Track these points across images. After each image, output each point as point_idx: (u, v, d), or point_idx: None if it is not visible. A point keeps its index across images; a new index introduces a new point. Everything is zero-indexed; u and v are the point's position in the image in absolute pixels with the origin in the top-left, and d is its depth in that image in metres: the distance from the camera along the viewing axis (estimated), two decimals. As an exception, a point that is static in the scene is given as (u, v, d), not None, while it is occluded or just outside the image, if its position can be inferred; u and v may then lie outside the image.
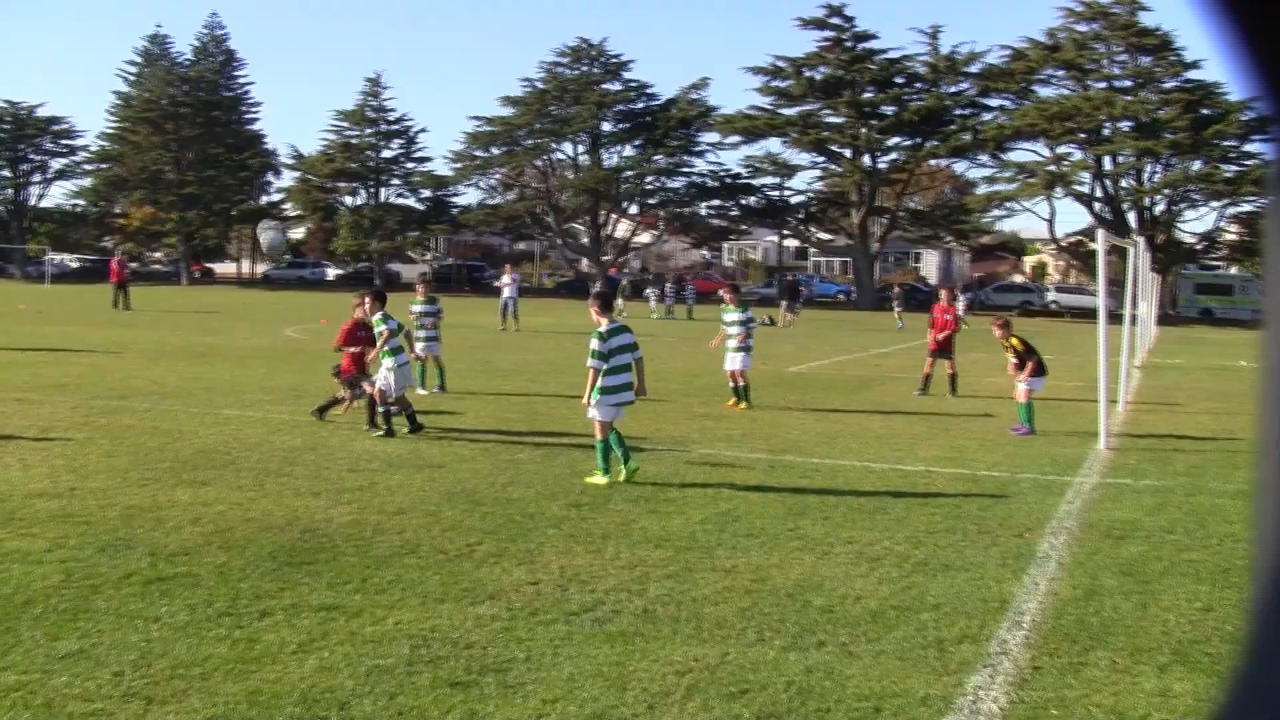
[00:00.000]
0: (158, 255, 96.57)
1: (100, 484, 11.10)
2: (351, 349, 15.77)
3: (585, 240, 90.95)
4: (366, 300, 15.59)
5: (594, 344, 11.92)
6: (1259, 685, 0.85)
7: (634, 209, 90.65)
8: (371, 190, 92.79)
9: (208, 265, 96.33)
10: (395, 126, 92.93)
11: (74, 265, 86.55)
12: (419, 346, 19.25)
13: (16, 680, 5.95)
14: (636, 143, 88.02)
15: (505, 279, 41.50)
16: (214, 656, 6.39)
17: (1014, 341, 17.09)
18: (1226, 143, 75.71)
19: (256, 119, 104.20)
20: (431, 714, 5.72)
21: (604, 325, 12.11)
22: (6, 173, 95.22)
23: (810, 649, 6.88)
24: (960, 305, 35.06)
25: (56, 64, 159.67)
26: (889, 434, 16.40)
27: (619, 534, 9.67)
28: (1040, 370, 17.06)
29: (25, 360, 23.34)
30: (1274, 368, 0.87)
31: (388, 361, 14.80)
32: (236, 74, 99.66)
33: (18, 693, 5.78)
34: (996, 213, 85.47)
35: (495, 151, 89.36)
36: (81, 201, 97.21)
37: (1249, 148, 76.21)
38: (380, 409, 14.71)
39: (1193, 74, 76.29)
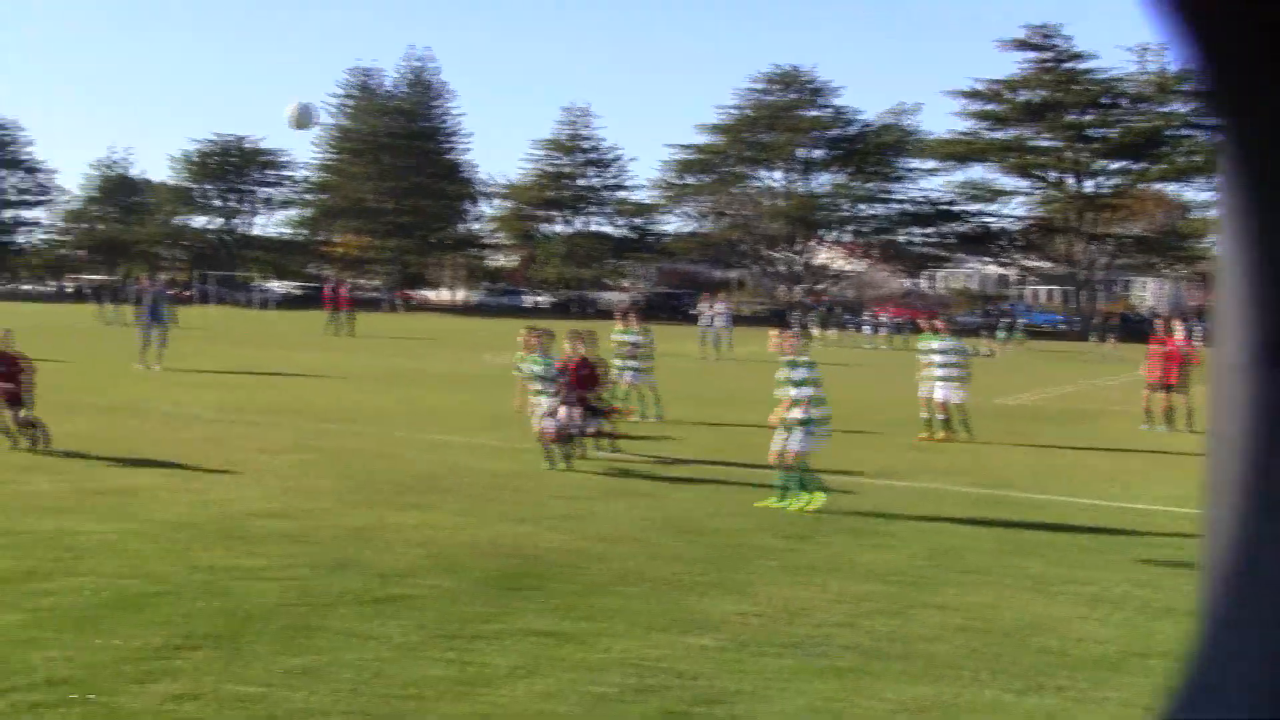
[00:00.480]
0: (372, 282, 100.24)
1: (324, 505, 11.47)
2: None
3: (786, 268, 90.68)
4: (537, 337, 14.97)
5: (798, 374, 11.87)
6: (1203, 687, 0.87)
7: (839, 237, 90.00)
8: (575, 218, 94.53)
9: (412, 292, 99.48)
10: (599, 155, 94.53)
11: (283, 292, 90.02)
12: (626, 375, 19.29)
13: (249, 692, 6.16)
14: (841, 169, 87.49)
15: (716, 306, 41.57)
16: (436, 678, 6.50)
17: None
18: None
19: (467, 150, 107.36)
20: (653, 745, 5.70)
21: (802, 355, 12.07)
22: (218, 202, 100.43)
23: (1033, 692, 6.63)
24: (1179, 335, 33.46)
25: (267, 97, 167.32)
26: (1109, 469, 15.80)
27: (833, 567, 9.52)
28: None
29: (242, 383, 24.37)
30: (1223, 363, 0.88)
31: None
32: (444, 104, 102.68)
33: (251, 705, 5.98)
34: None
35: (698, 179, 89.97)
36: (296, 230, 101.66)
37: None
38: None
39: None
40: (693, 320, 49.32)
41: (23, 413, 14.72)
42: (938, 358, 18.52)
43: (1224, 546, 0.87)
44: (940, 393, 18.39)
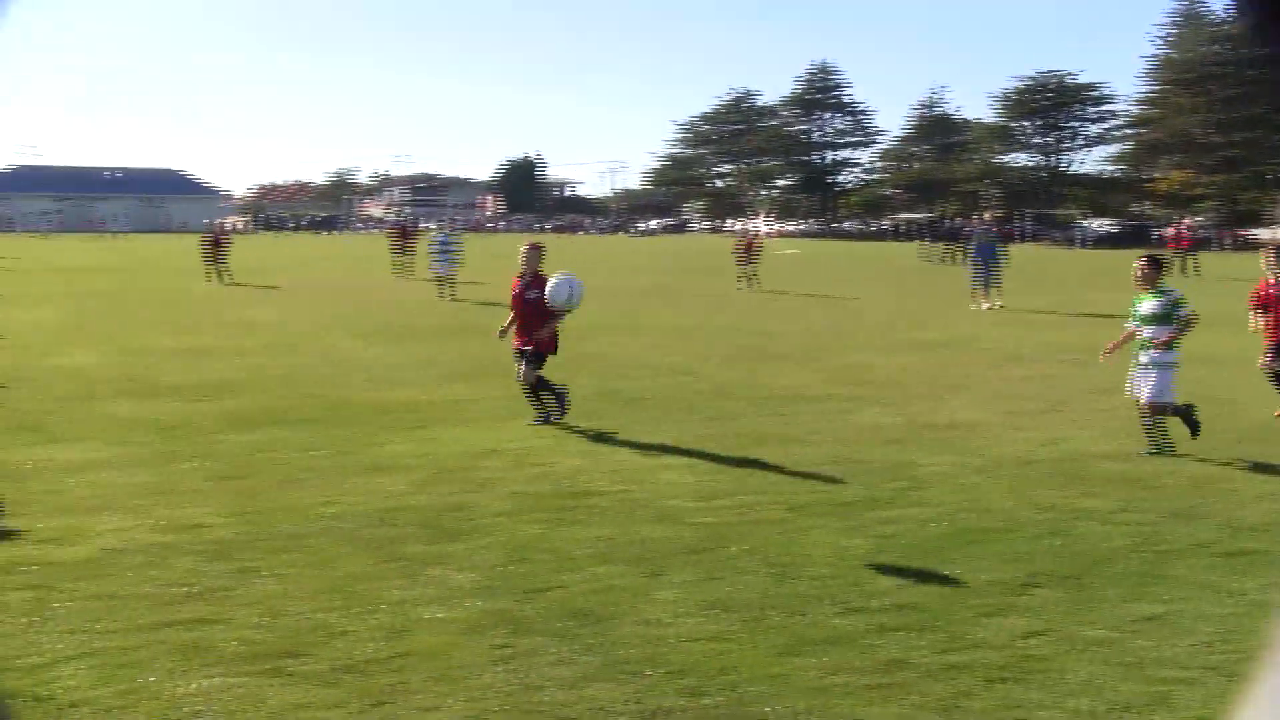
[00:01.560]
0: (1198, 220, 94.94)
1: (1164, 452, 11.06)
2: None
3: None
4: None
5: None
6: None
7: None
8: None
9: (1244, 230, 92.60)
10: None
11: (1102, 230, 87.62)
12: None
13: (1099, 635, 6.09)
14: None
15: None
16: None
17: None
18: None
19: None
20: None
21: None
22: (1044, 140, 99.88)
23: None
24: None
25: (1099, 33, 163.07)
26: None
27: None
28: None
29: (1066, 323, 24.06)
30: None
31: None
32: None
33: (1101, 648, 5.91)
34: None
35: None
36: (1116, 167, 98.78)
37: None
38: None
39: None
40: None
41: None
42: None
43: None
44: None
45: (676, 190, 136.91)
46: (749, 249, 35.45)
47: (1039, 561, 7.41)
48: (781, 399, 14.19)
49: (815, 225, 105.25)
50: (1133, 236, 77.07)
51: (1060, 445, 11.29)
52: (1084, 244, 77.46)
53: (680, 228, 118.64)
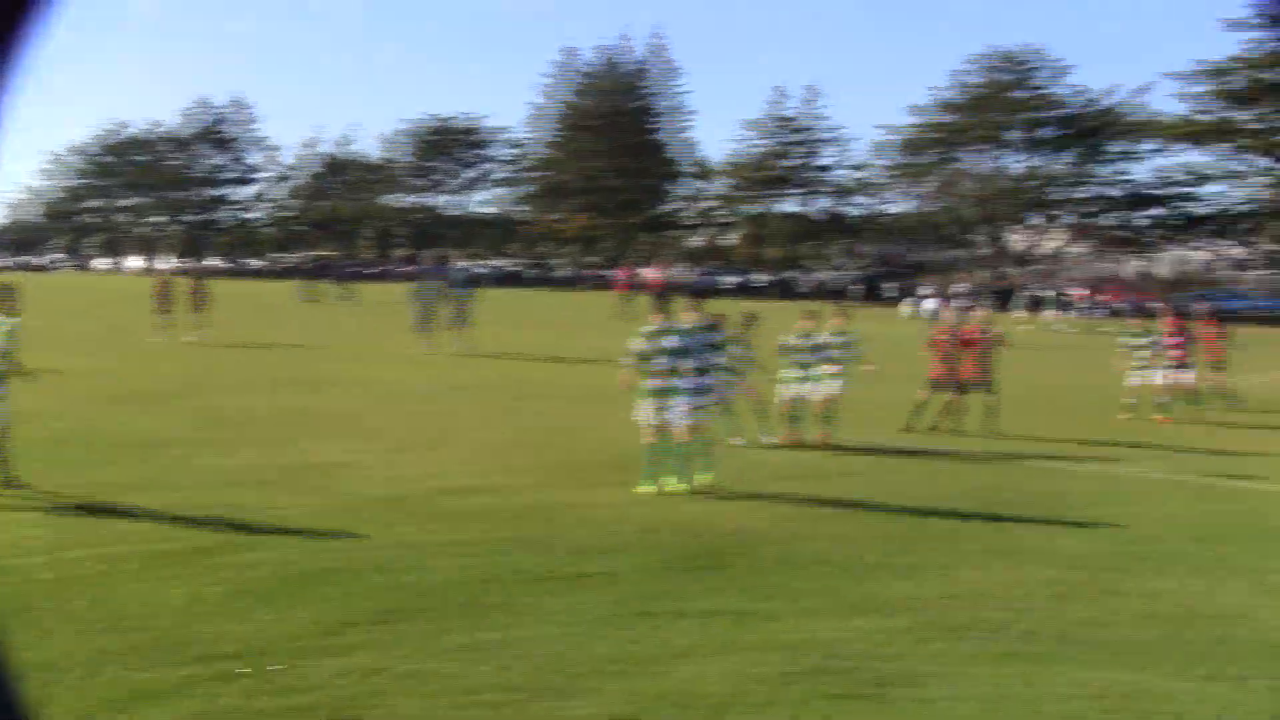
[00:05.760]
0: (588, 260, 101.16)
1: (522, 481, 11.72)
2: None
3: (1003, 251, 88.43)
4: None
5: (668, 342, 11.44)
6: None
7: (1054, 218, 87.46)
8: (790, 198, 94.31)
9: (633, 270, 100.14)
10: (817, 134, 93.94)
11: (498, 270, 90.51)
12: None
13: (439, 668, 6.28)
14: (1069, 150, 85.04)
15: (933, 289, 40.91)
16: (611, 656, 6.54)
17: None
18: None
19: (688, 127, 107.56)
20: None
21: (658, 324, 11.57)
22: (450, 180, 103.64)
23: (1238, 683, 6.37)
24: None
25: (490, 79, 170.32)
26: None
27: (1038, 551, 9.33)
28: None
29: (462, 363, 24.90)
30: None
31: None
32: (670, 83, 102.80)
33: (441, 680, 6.11)
34: None
35: (917, 159, 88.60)
36: (521, 208, 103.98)
37: None
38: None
39: None
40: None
41: None
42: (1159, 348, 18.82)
43: None
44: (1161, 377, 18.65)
45: (44, 225, 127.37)
46: (166, 294, 31.04)
47: (389, 598, 7.53)
48: (143, 444, 13.55)
49: (189, 262, 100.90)
50: (526, 278, 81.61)
51: (428, 482, 11.62)
52: (478, 284, 79.65)
53: (43, 267, 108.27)
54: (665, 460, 11.48)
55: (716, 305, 16.15)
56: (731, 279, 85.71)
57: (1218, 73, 77.90)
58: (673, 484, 11.34)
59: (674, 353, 11.48)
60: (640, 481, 11.42)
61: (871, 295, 73.75)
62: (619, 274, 51.24)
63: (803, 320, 15.37)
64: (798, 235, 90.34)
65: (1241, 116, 78.17)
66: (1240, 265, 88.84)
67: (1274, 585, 8.50)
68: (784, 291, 72.67)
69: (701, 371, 11.62)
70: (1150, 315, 19.70)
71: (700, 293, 13.03)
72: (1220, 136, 78.43)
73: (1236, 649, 6.95)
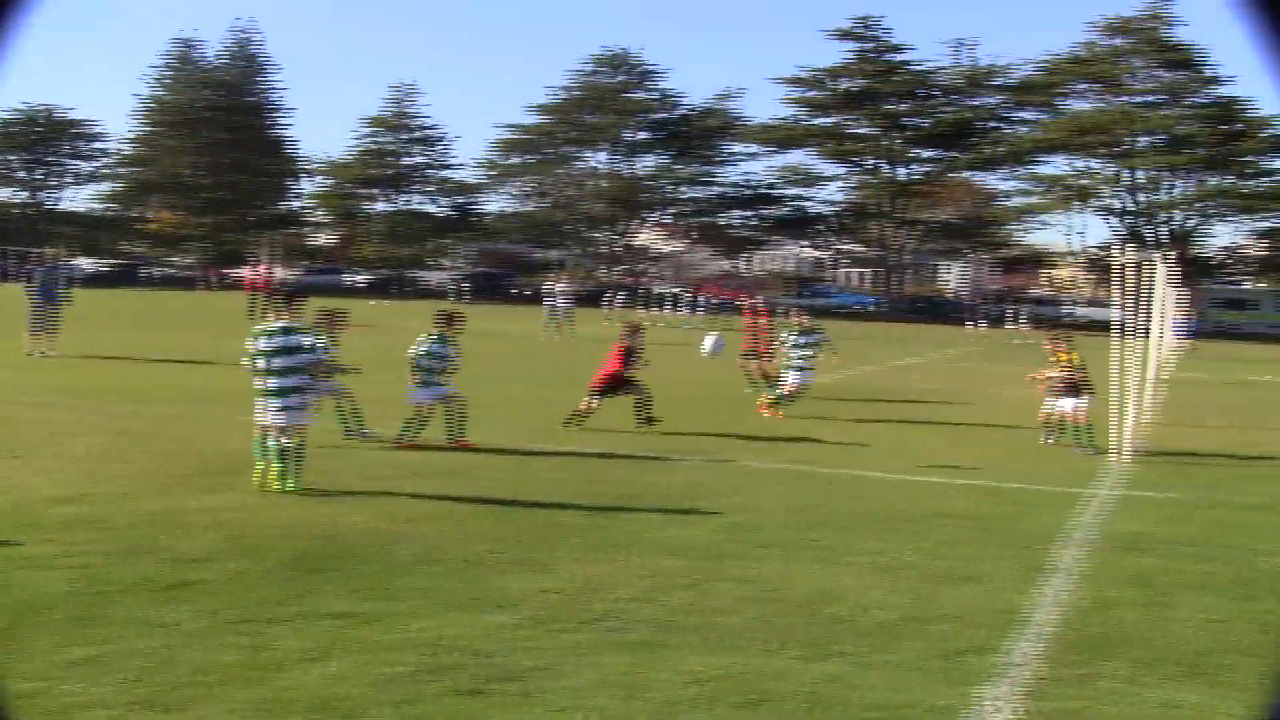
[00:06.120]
0: (185, 260, 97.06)
1: (119, 489, 11.16)
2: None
3: (608, 249, 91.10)
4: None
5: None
6: None
7: (660, 218, 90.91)
8: (397, 197, 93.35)
9: (227, 271, 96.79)
10: (423, 133, 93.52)
11: (92, 270, 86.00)
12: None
13: (26, 687, 5.93)
14: (665, 152, 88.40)
15: (558, 286, 41.62)
16: (226, 664, 6.39)
17: (1074, 356, 16.56)
18: (1251, 158, 75.62)
19: (287, 124, 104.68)
20: (441, 723, 5.74)
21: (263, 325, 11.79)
22: (30, 175, 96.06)
23: (823, 659, 6.87)
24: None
25: (86, 69, 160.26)
26: (912, 446, 16.36)
27: (638, 543, 9.68)
28: (1080, 391, 16.39)
29: (43, 365, 23.47)
30: None
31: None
32: (267, 79, 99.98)
33: (30, 699, 5.79)
34: (1021, 225, 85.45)
35: (523, 160, 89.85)
36: (107, 205, 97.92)
37: (1274, 163, 76.09)
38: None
39: (1219, 90, 76.32)
40: (515, 300, 48.92)
41: None
42: (797, 350, 19.84)
43: None
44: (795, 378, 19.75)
45: None
46: None
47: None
48: None
49: None
50: (121, 275, 77.33)
51: (10, 494, 10.87)
52: (71, 283, 75.27)
53: None
54: (269, 460, 11.30)
55: (328, 304, 15.94)
56: (359, 278, 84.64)
57: (807, 81, 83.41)
58: (276, 484, 11.16)
59: (267, 354, 11.37)
60: (253, 483, 11.18)
61: (485, 294, 74.39)
62: (247, 273, 49.76)
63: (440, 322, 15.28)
64: (408, 234, 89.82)
65: (823, 123, 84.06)
66: (831, 264, 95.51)
67: (860, 566, 9.19)
68: (402, 290, 72.24)
69: (287, 373, 11.44)
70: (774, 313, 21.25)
71: (295, 293, 12.76)
72: (807, 141, 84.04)
73: (824, 628, 7.49)
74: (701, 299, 58.96)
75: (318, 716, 5.74)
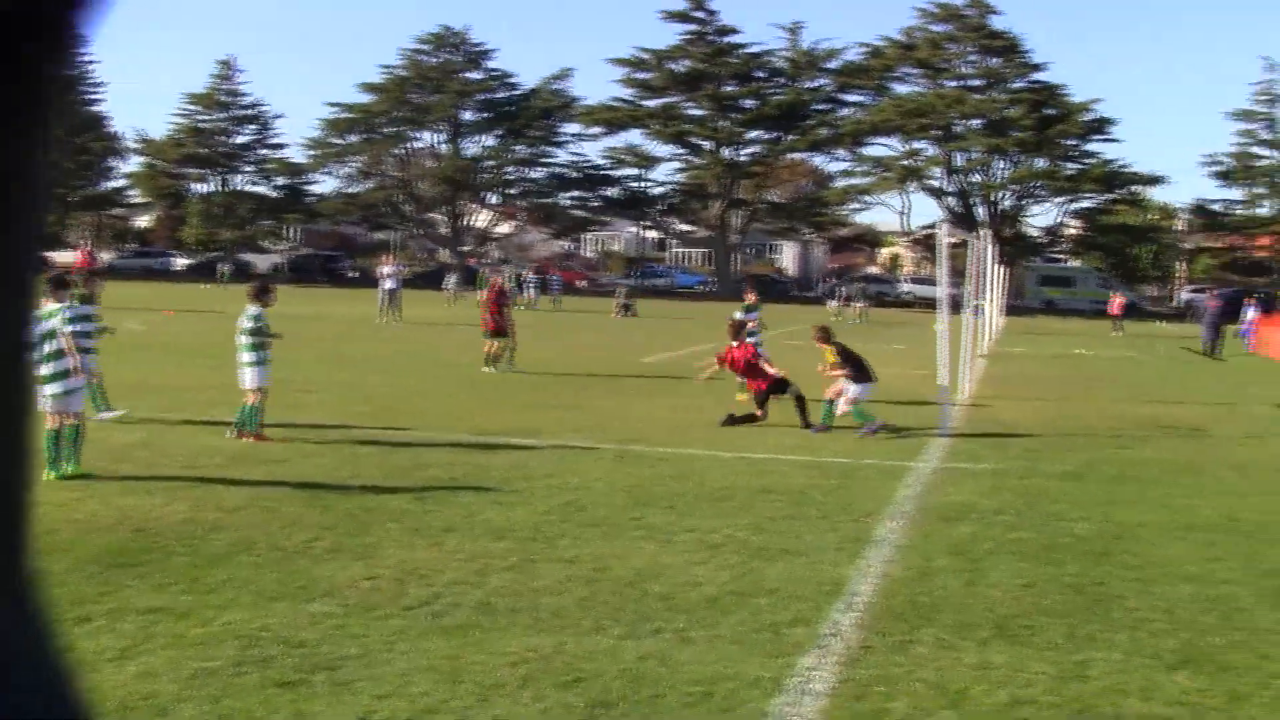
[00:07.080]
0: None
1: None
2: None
3: (443, 230, 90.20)
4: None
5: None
6: None
7: (494, 199, 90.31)
8: (223, 177, 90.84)
9: (45, 254, 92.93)
10: (249, 111, 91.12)
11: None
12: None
13: None
14: (497, 132, 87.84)
15: (386, 269, 40.97)
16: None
17: (828, 349, 16.79)
18: (1068, 142, 78.63)
19: (99, 100, 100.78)
20: (258, 715, 5.59)
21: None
22: None
23: (646, 636, 6.90)
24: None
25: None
26: (740, 425, 16.55)
27: (461, 527, 9.59)
28: (863, 376, 16.41)
29: None
30: None
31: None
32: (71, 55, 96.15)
33: None
34: (853, 206, 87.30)
35: (353, 139, 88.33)
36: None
37: (1089, 147, 79.23)
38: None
39: (1038, 75, 79.16)
40: (346, 282, 47.99)
41: None
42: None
43: None
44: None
45: None
46: None
47: None
48: None
49: None
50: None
51: None
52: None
53: None
54: (55, 448, 10.90)
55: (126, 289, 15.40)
56: (183, 261, 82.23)
57: (640, 63, 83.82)
58: (53, 471, 10.78)
59: (42, 338, 10.99)
60: (45, 472, 10.75)
61: (308, 276, 73.14)
62: (78, 254, 48.22)
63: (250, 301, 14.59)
64: (235, 216, 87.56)
65: (657, 104, 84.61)
66: (667, 245, 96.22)
67: (685, 543, 9.25)
68: (213, 274, 70.31)
69: (54, 356, 11.12)
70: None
71: (59, 278, 12.42)
72: (640, 122, 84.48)
73: (648, 606, 7.52)
74: (555, 279, 59.00)
75: (126, 716, 5.54)
